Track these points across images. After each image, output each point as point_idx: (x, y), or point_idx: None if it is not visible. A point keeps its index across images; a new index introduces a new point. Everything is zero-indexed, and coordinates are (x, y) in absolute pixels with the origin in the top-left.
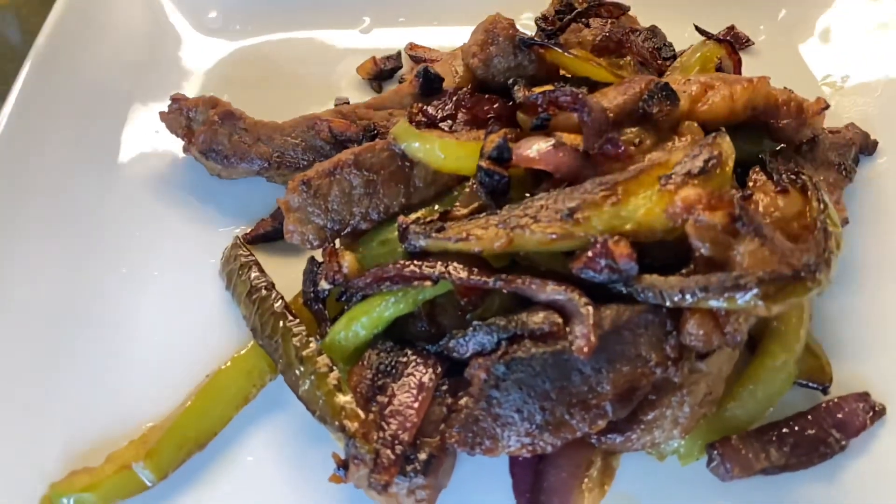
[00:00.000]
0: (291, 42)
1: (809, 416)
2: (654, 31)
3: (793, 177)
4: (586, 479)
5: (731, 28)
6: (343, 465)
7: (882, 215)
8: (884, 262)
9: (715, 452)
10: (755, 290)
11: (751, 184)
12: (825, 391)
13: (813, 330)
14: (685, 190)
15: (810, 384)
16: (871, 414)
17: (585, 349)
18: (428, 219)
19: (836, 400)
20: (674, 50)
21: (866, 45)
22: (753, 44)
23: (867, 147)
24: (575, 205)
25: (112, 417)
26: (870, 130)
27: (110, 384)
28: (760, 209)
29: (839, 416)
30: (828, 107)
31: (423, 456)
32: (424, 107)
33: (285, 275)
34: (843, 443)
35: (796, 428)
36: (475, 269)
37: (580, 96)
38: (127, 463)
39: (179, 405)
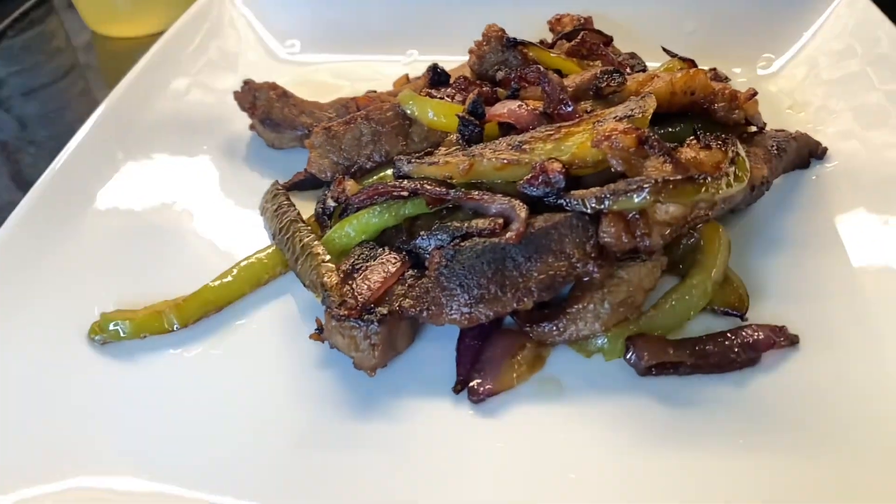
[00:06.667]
0: (351, 63)
1: (727, 333)
2: (632, 55)
3: (718, 142)
4: (518, 359)
5: (713, 69)
6: (321, 327)
7: (819, 204)
8: (811, 237)
9: (630, 344)
10: (649, 188)
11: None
12: (742, 318)
13: (744, 280)
14: (608, 124)
15: (730, 311)
16: (783, 339)
17: (514, 237)
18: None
19: (754, 325)
20: (645, 66)
21: (826, 82)
22: (730, 80)
23: (817, 153)
24: (525, 139)
25: (156, 291)
26: (822, 141)
27: (159, 269)
28: (684, 159)
29: (754, 336)
30: (756, 93)
31: (381, 310)
32: (430, 91)
33: (309, 213)
34: (754, 355)
35: (710, 341)
36: (441, 185)
37: (543, 71)
38: (159, 310)
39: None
